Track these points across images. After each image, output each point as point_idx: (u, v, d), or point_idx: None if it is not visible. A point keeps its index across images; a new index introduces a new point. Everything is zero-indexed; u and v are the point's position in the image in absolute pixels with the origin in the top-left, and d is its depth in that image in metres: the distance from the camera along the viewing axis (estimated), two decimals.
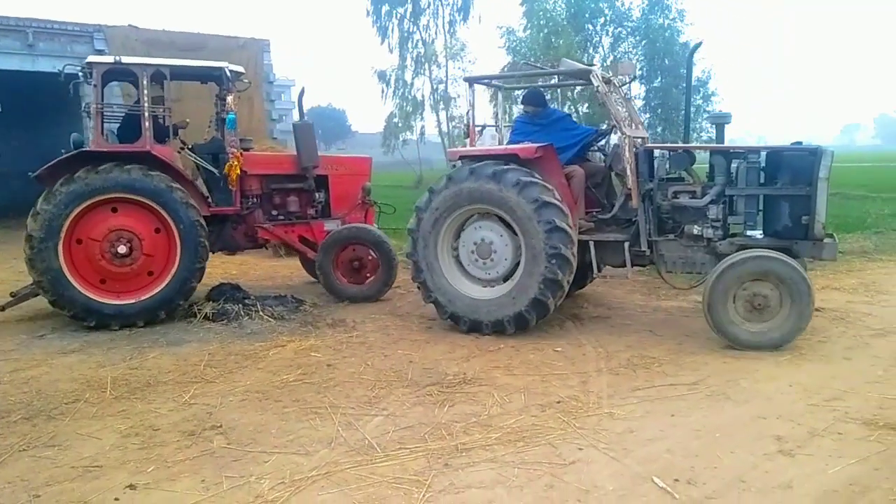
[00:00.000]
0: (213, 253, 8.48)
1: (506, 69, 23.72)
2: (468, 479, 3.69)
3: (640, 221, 6.59)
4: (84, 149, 7.25)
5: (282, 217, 8.60)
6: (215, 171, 7.90)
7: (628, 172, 6.51)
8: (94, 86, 7.32)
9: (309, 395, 5.01)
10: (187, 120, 8.16)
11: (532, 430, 4.31)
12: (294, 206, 8.61)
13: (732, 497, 3.43)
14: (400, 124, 35.76)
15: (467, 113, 7.35)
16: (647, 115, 28.79)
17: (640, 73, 28.67)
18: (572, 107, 26.20)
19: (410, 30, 34.14)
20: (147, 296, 7.15)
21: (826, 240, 6.08)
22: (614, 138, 7.26)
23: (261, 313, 7.17)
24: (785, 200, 6.17)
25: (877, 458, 3.82)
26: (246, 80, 8.29)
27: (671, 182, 6.65)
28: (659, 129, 27.92)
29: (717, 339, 6.08)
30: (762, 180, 6.34)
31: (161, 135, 7.49)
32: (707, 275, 6.18)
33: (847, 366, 5.47)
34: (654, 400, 4.81)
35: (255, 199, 8.36)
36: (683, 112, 6.95)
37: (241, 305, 7.30)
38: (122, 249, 7.04)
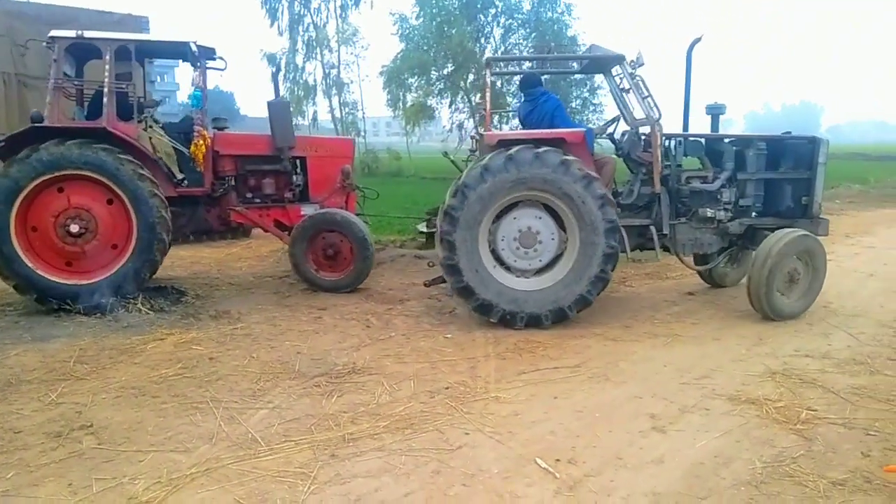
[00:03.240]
0: (187, 236, 8.24)
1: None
2: (355, 468, 3.66)
3: (662, 206, 6.85)
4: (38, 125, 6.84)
5: (257, 200, 8.22)
6: (186, 150, 7.52)
7: (658, 159, 6.63)
8: (55, 60, 6.99)
9: (189, 390, 4.80)
10: (156, 98, 7.75)
11: (420, 416, 4.32)
12: (269, 188, 8.23)
13: (609, 474, 3.58)
14: (291, 109, 34.87)
15: (483, 95, 7.04)
16: None
17: (529, 65, 29.35)
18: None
19: (301, 12, 33.32)
20: (111, 273, 6.96)
21: (821, 217, 6.97)
22: (623, 126, 7.43)
23: (138, 305, 6.79)
24: (788, 183, 7.05)
25: (738, 430, 4.09)
26: (222, 60, 7.87)
27: (682, 168, 7.05)
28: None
29: (599, 323, 6.37)
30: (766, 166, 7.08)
31: (126, 112, 7.14)
32: (712, 254, 7.12)
33: (716, 346, 5.83)
34: (538, 383, 4.94)
35: (228, 181, 8.00)
36: (684, 103, 7.15)
37: (116, 297, 6.88)
38: (73, 229, 6.81)
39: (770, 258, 6.31)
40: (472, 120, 30.02)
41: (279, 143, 8.02)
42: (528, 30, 28.83)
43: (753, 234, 7.09)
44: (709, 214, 6.87)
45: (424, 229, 9.71)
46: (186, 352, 5.66)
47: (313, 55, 34.08)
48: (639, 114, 7.00)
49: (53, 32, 7.17)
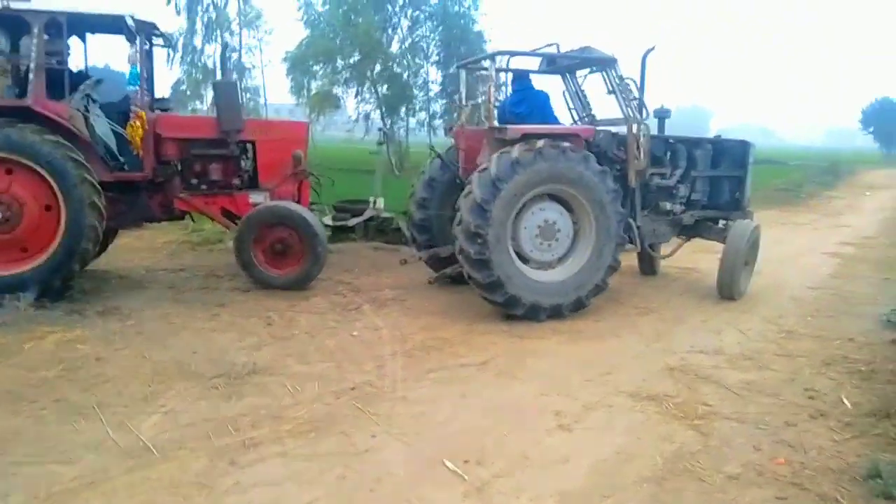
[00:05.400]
0: (129, 225, 7.76)
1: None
2: (256, 476, 3.49)
3: (635, 200, 7.31)
4: None
5: (203, 186, 7.63)
6: (123, 132, 6.96)
7: (639, 156, 7.04)
8: None
9: (73, 394, 4.44)
10: (97, 79, 7.31)
11: (325, 419, 4.18)
12: (216, 174, 7.66)
13: (517, 474, 3.58)
14: (189, 93, 33.36)
15: (488, 88, 6.84)
16: (444, 101, 29.54)
17: (436, 58, 29.37)
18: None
19: None
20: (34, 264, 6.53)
21: (749, 210, 8.17)
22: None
23: (15, 301, 6.24)
24: (727, 180, 8.12)
25: (640, 427, 4.20)
26: (163, 35, 7.37)
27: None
28: (455, 115, 28.75)
29: (505, 319, 6.41)
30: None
31: (58, 90, 6.61)
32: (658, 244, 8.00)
33: (617, 342, 5.99)
34: (446, 381, 4.90)
35: (172, 166, 7.44)
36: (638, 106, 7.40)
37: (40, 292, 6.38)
38: None
39: (742, 248, 7.32)
40: (378, 111, 29.76)
41: (226, 126, 7.52)
42: (435, 22, 28.86)
43: (697, 225, 8.05)
44: (667, 208, 7.58)
45: (330, 222, 9.49)
46: (70, 352, 5.25)
47: (213, 37, 32.72)
48: (618, 114, 7.33)
49: None
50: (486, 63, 7.13)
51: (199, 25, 32.07)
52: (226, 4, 32.37)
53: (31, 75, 6.54)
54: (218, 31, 32.13)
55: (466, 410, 4.40)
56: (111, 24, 7.16)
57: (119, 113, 7.45)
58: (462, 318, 6.60)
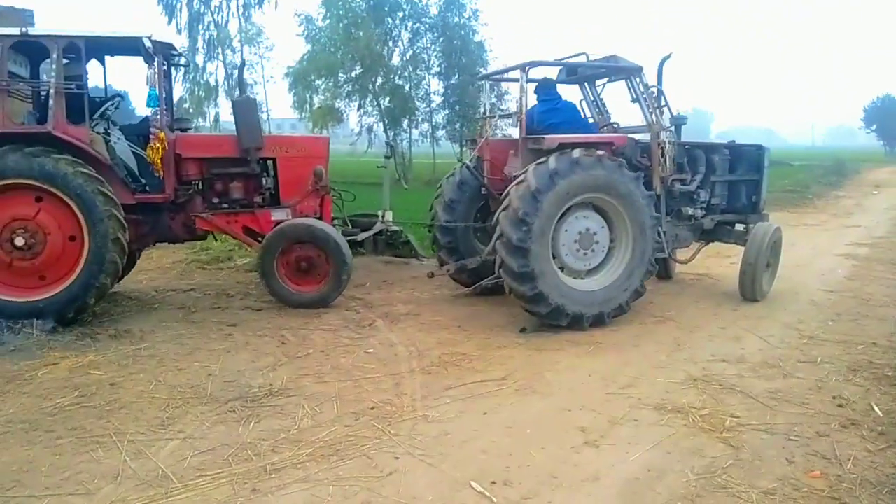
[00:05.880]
0: (152, 245, 7.76)
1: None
2: (279, 503, 3.40)
3: (661, 207, 7.24)
4: None
5: (224, 205, 7.58)
6: (145, 154, 6.94)
7: (667, 164, 7.13)
8: None
9: (88, 422, 4.36)
10: (119, 97, 7.32)
11: (346, 441, 4.10)
12: (237, 192, 7.61)
13: (546, 495, 3.49)
14: (192, 110, 33.45)
15: (521, 98, 6.89)
16: (447, 112, 29.54)
17: (437, 69, 29.40)
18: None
19: (201, 10, 32.02)
20: (64, 285, 6.50)
21: (765, 213, 8.30)
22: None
23: (28, 329, 6.18)
24: (744, 184, 8.22)
25: (668, 441, 4.10)
26: (183, 58, 7.22)
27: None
28: (458, 126, 28.76)
29: (520, 333, 6.33)
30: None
31: (77, 115, 6.56)
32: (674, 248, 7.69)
33: (636, 353, 5.89)
34: (466, 399, 4.81)
35: (193, 186, 7.41)
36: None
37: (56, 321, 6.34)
38: (19, 242, 6.39)
39: (764, 249, 7.42)
40: (381, 123, 29.77)
41: (246, 144, 7.46)
42: (435, 34, 28.91)
43: (717, 230, 8.12)
44: (689, 213, 7.67)
45: None
46: (83, 377, 5.17)
47: (215, 55, 32.84)
48: (642, 121, 7.41)
49: None
50: (514, 74, 7.16)
51: (200, 44, 32.22)
52: (227, 22, 32.49)
53: (50, 100, 6.52)
54: (219, 49, 32.25)
55: (489, 429, 4.31)
56: (129, 47, 7.14)
57: (139, 135, 7.43)
58: (477, 331, 6.52)
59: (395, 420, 4.42)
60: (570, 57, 7.82)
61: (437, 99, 29.99)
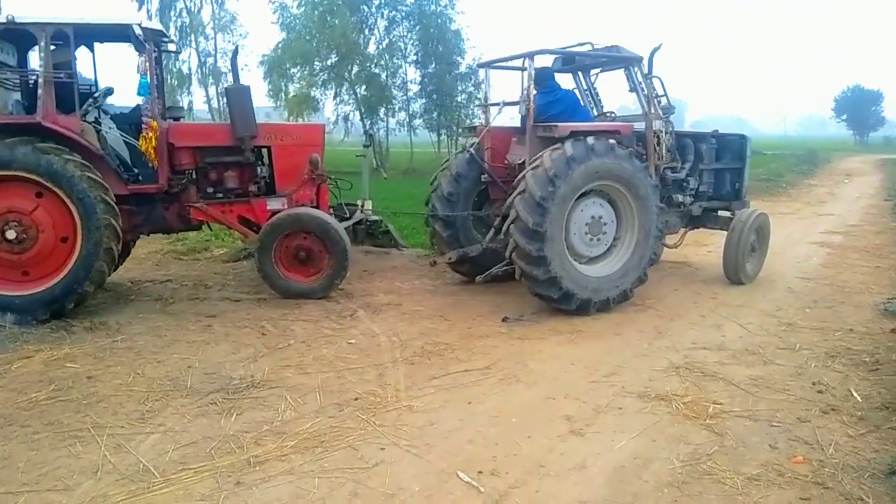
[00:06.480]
0: (145, 235, 7.65)
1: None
2: (264, 496, 3.36)
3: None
4: None
5: (219, 195, 7.44)
6: (137, 143, 6.80)
7: (663, 152, 7.34)
8: None
9: (66, 416, 4.27)
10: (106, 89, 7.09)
11: (330, 432, 4.06)
12: (232, 182, 7.45)
13: (534, 484, 3.48)
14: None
15: (528, 87, 6.82)
16: (423, 101, 29.42)
17: (414, 58, 29.23)
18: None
19: None
20: (46, 285, 6.38)
21: (747, 199, 8.63)
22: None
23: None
24: (727, 172, 8.52)
25: (653, 429, 4.12)
26: (173, 44, 6.96)
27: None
28: (435, 114, 28.67)
29: (503, 322, 6.32)
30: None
31: (67, 104, 6.40)
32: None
33: (618, 341, 5.91)
34: (450, 388, 4.79)
35: (187, 176, 7.28)
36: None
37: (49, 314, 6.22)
38: (10, 235, 6.24)
39: (746, 232, 7.70)
40: (357, 112, 29.57)
41: (240, 133, 7.30)
42: (412, 22, 28.73)
43: (703, 216, 8.36)
44: (679, 200, 7.86)
45: None
46: (59, 370, 5.06)
47: (188, 42, 32.35)
48: (639, 110, 7.48)
49: None
50: (520, 62, 7.20)
51: (171, 31, 31.68)
52: (199, 9, 32.01)
53: (39, 90, 6.34)
54: (192, 36, 31.76)
55: (474, 418, 4.29)
56: (119, 34, 6.94)
57: (131, 124, 7.26)
58: (459, 321, 6.49)
59: (380, 411, 4.39)
60: (575, 46, 7.86)
61: (414, 88, 29.88)
